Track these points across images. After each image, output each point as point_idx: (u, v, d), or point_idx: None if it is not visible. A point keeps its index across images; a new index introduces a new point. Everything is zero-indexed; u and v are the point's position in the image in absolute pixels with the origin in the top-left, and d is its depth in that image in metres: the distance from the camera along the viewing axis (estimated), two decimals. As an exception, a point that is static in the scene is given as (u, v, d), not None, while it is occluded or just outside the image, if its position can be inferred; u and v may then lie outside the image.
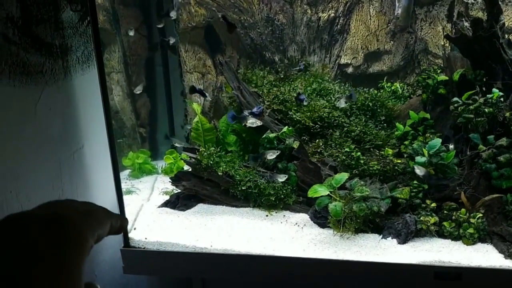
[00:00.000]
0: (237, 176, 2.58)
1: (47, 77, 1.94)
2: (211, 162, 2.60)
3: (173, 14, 2.76)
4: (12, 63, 1.70)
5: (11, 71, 1.70)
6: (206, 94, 2.74)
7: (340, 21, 3.14)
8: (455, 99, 2.51)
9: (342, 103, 2.62)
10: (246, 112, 2.48)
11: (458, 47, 2.65)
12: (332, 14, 3.11)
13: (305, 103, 2.69)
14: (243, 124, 2.54)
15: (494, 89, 2.42)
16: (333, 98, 2.88)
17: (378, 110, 2.87)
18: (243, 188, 2.56)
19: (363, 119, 2.83)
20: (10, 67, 1.69)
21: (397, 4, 3.06)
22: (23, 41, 1.77)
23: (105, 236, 0.60)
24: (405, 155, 2.57)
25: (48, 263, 0.46)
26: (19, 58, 1.74)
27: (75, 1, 2.11)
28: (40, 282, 0.44)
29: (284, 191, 2.56)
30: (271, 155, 2.57)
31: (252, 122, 2.48)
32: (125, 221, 0.68)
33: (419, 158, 2.40)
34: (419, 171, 2.33)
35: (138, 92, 3.09)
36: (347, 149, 2.60)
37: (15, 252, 0.44)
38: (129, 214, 2.37)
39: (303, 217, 2.52)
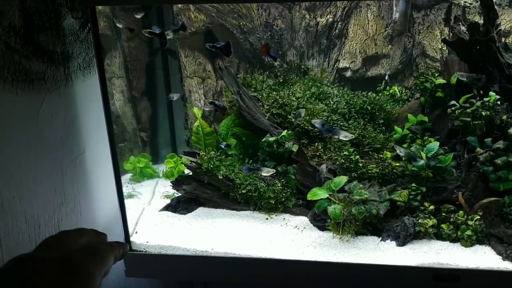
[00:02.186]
0: (237, 179, 2.61)
1: (49, 84, 1.97)
2: (211, 166, 2.63)
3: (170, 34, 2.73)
4: (14, 71, 1.73)
5: (14, 79, 1.73)
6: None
7: (338, 25, 3.16)
8: (453, 102, 2.54)
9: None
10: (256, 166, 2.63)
11: (455, 50, 2.67)
12: (330, 19, 3.14)
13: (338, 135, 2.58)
14: (259, 174, 2.63)
15: (491, 93, 2.44)
16: (331, 102, 2.90)
17: (377, 113, 2.89)
18: (243, 191, 2.58)
19: (362, 123, 2.85)
20: (12, 75, 1.72)
21: (394, 9, 3.08)
22: (25, 49, 1.80)
23: (109, 269, 0.60)
24: (403, 158, 2.59)
25: None
26: (21, 66, 1.77)
27: (76, 9, 2.14)
28: None
29: (284, 194, 2.58)
30: (266, 172, 2.59)
31: (268, 171, 2.57)
32: (126, 247, 0.68)
33: (417, 161, 2.42)
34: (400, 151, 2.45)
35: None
36: (346, 153, 2.63)
37: None
38: (130, 217, 2.39)
39: (303, 220, 2.54)
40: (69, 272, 0.50)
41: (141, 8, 2.63)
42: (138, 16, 2.80)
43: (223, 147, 2.85)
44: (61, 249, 0.55)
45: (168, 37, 2.67)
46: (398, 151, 2.46)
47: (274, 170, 2.60)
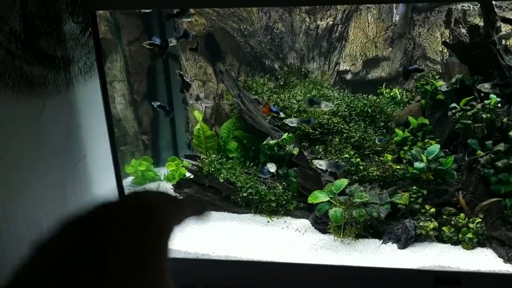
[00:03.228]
0: (238, 182, 2.61)
1: (50, 89, 1.98)
2: (212, 169, 2.63)
3: (173, 41, 2.75)
4: (15, 77, 1.74)
5: (15, 84, 1.73)
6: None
7: (339, 28, 3.16)
8: (453, 105, 2.54)
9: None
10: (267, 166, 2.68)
11: (456, 53, 2.67)
12: (331, 22, 3.14)
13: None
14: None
15: (491, 95, 2.44)
16: (332, 105, 2.90)
17: (377, 116, 2.89)
18: (244, 194, 2.58)
19: (363, 125, 2.85)
20: (13, 80, 1.72)
21: (395, 11, 3.09)
22: (26, 54, 1.81)
23: (187, 218, 0.65)
24: (404, 161, 2.59)
25: (137, 245, 0.50)
26: (22, 71, 1.78)
27: (77, 14, 2.15)
28: (129, 261, 0.47)
29: (285, 197, 2.58)
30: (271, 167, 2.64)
31: (271, 165, 2.65)
32: (205, 208, 0.72)
33: (417, 164, 2.42)
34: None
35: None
36: (346, 155, 2.63)
37: (106, 235, 0.48)
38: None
39: (304, 223, 2.55)
40: (147, 213, 0.55)
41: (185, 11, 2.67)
42: (188, 20, 2.84)
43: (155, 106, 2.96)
44: (143, 198, 0.60)
45: (171, 44, 2.68)
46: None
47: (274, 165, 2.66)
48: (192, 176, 2.74)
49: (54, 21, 2.00)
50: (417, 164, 2.42)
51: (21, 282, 0.42)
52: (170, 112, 2.99)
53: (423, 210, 2.35)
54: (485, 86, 2.45)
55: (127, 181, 3.23)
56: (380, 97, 3.02)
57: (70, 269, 0.43)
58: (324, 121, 2.79)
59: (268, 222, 2.57)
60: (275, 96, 2.97)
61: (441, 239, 2.29)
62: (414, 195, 2.40)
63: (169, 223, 0.58)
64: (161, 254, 0.53)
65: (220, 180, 2.61)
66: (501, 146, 2.33)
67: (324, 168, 2.47)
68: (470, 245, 2.22)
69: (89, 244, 0.46)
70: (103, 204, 0.54)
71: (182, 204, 0.65)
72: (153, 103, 3.01)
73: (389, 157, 2.63)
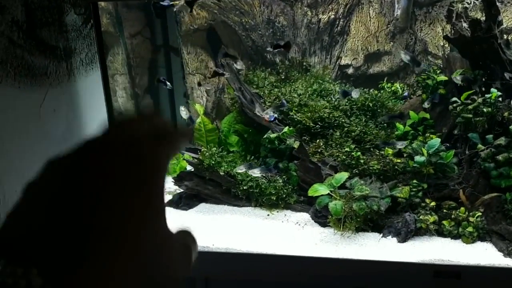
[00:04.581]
0: (239, 176, 2.61)
1: (51, 79, 1.98)
2: (213, 162, 2.64)
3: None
4: (17, 66, 1.74)
5: (16, 73, 1.74)
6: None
7: (340, 22, 3.16)
8: (454, 99, 2.54)
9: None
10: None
11: (457, 47, 2.67)
12: (332, 16, 3.13)
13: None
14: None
15: (492, 89, 2.44)
16: (333, 99, 2.91)
17: (378, 110, 2.89)
18: (244, 187, 2.58)
19: (363, 119, 2.85)
20: (15, 69, 1.73)
21: (396, 6, 3.08)
22: (28, 44, 1.81)
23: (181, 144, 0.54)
24: (404, 155, 2.59)
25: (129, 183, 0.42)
26: (24, 60, 1.78)
27: (79, 5, 2.16)
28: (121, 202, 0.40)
29: (285, 190, 2.58)
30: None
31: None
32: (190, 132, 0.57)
33: (418, 158, 2.42)
34: None
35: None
36: (347, 149, 2.63)
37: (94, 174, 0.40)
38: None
39: (304, 216, 2.55)
40: (140, 156, 0.44)
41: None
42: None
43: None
44: (128, 132, 0.47)
45: None
46: None
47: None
48: (192, 169, 2.75)
49: (56, 11, 2.00)
50: (417, 158, 2.42)
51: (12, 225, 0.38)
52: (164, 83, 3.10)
53: (423, 204, 2.35)
54: (457, 78, 2.54)
55: (128, 174, 3.24)
56: (381, 91, 3.02)
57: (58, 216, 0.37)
58: (325, 115, 2.78)
59: (268, 215, 2.57)
60: (276, 90, 2.97)
61: (441, 232, 2.28)
62: (414, 189, 2.40)
63: (163, 154, 0.48)
64: (159, 195, 0.45)
65: (221, 173, 2.62)
66: (501, 140, 2.33)
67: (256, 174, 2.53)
68: (470, 239, 2.22)
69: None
70: (86, 143, 0.44)
71: (174, 130, 0.51)
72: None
73: (390, 151, 2.63)
